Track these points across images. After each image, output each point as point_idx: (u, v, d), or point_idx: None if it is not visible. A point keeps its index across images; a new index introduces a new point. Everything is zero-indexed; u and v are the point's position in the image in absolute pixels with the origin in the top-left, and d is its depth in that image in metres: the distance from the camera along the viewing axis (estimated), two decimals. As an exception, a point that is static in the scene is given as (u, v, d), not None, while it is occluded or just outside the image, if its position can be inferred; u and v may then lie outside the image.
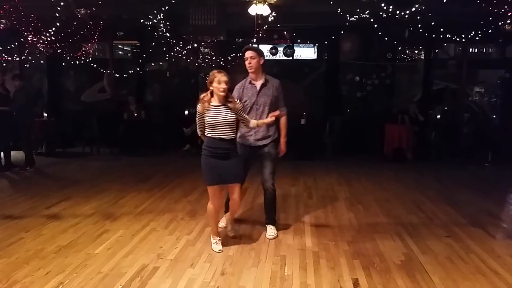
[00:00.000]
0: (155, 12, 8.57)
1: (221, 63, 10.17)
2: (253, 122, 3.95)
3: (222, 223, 4.50)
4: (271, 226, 4.39)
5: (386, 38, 9.43)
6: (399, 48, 10.45)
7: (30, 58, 10.31)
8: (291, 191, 6.28)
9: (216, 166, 3.80)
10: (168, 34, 9.42)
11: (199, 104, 3.82)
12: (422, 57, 10.54)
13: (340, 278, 3.41)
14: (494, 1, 7.11)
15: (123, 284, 3.27)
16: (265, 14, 7.14)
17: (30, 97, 8.12)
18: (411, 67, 10.63)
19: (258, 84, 4.26)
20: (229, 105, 3.78)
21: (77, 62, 10.18)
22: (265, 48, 10.13)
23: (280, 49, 10.56)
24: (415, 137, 9.08)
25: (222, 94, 3.77)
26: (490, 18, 7.89)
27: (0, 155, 7.83)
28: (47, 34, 8.87)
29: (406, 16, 7.87)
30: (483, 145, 9.24)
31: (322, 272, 3.51)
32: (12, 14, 8.03)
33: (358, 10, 8.14)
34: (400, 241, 4.26)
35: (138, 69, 10.89)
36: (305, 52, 11.44)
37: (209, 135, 3.82)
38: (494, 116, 10.79)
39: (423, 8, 7.62)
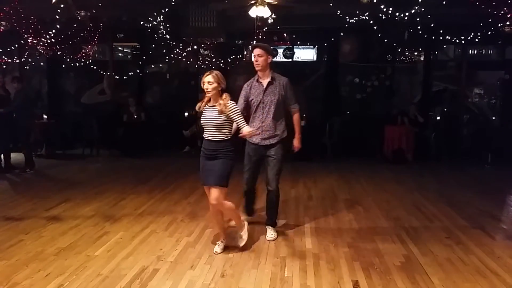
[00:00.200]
0: (155, 14, 8.58)
1: (221, 65, 10.19)
2: (245, 130, 3.68)
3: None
4: (271, 228, 4.38)
5: (385, 40, 9.45)
6: (399, 50, 10.47)
7: (30, 60, 10.32)
8: (291, 193, 6.28)
9: (203, 166, 3.84)
10: (168, 36, 9.44)
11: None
12: (422, 59, 10.56)
13: (340, 280, 3.40)
14: (494, 3, 7.12)
15: (123, 286, 3.27)
16: (265, 16, 7.15)
17: (29, 99, 8.12)
18: (411, 68, 10.64)
19: (265, 82, 4.24)
20: (216, 106, 3.74)
21: (77, 64, 10.18)
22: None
23: (280, 51, 10.58)
24: (415, 138, 9.09)
25: (208, 94, 3.77)
26: (490, 20, 7.90)
27: (0, 157, 7.82)
28: (47, 36, 8.88)
29: (406, 17, 7.89)
30: (482, 146, 9.25)
31: (322, 274, 3.51)
32: (12, 16, 8.03)
33: (357, 12, 8.16)
34: (400, 242, 4.26)
35: (138, 71, 10.90)
36: (305, 54, 11.47)
37: (203, 135, 3.86)
38: (493, 118, 10.80)
39: (423, 9, 7.63)
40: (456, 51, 10.83)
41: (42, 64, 10.81)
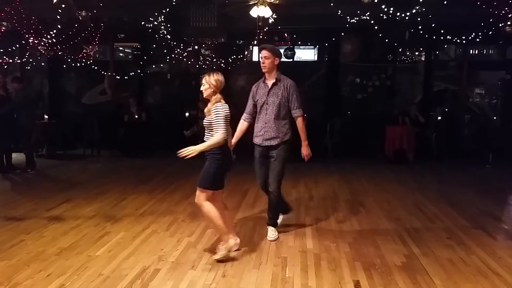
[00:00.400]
0: (156, 14, 8.58)
1: (222, 65, 10.19)
2: (212, 139, 3.63)
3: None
4: (272, 228, 4.38)
5: (386, 40, 9.45)
6: (400, 50, 10.47)
7: (31, 60, 10.33)
8: (291, 193, 6.27)
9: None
10: (169, 36, 9.44)
11: None
12: (423, 59, 10.56)
13: (341, 280, 3.40)
14: (495, 3, 7.11)
15: (124, 286, 3.27)
16: (266, 16, 7.15)
17: (30, 99, 8.13)
18: (412, 68, 10.64)
19: (270, 83, 4.24)
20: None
21: (78, 64, 10.20)
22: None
23: (281, 51, 10.57)
24: (416, 138, 9.09)
25: (204, 95, 3.78)
26: (491, 20, 7.89)
27: (2, 157, 7.82)
28: (48, 36, 8.89)
29: (407, 17, 7.89)
30: (483, 146, 9.24)
31: (323, 274, 3.51)
32: (13, 16, 8.04)
33: (358, 12, 8.15)
34: (401, 242, 4.26)
35: (139, 71, 10.92)
36: (306, 54, 11.45)
37: None
38: (494, 118, 10.79)
39: (424, 9, 7.63)
40: (457, 51, 10.83)
41: (43, 64, 10.82)
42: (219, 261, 3.69)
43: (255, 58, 11.10)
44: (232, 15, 8.72)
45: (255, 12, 7.00)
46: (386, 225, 4.85)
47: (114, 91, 10.92)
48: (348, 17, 8.36)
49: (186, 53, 10.14)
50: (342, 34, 10.00)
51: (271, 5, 6.95)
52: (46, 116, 10.01)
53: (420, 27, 8.67)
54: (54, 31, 8.76)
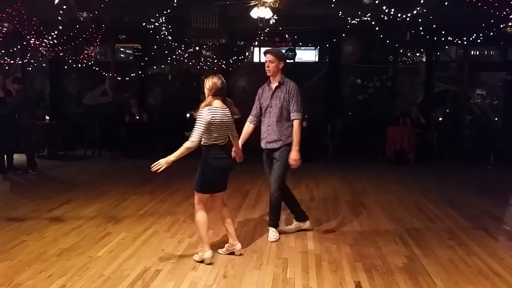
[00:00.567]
0: (157, 15, 8.59)
1: (223, 66, 10.20)
2: (182, 146, 3.59)
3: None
4: (273, 229, 4.37)
5: (387, 41, 9.45)
6: (401, 51, 10.46)
7: (32, 61, 10.35)
8: (293, 194, 6.26)
9: None
10: (170, 37, 9.45)
11: None
12: (424, 60, 10.55)
13: (342, 281, 3.40)
14: (496, 4, 7.11)
15: (125, 287, 3.27)
16: (267, 17, 7.16)
17: (30, 100, 8.14)
18: (413, 69, 10.63)
19: (273, 86, 4.25)
20: None
21: (79, 65, 10.22)
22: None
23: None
24: (417, 139, 9.08)
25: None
26: (492, 21, 7.89)
27: (3, 157, 7.83)
28: (49, 37, 8.91)
29: (408, 18, 7.89)
30: (485, 147, 9.23)
31: (324, 275, 3.51)
32: (14, 18, 8.06)
33: (359, 13, 8.16)
34: (402, 243, 4.25)
35: (140, 72, 10.93)
36: (307, 55, 11.47)
37: None
38: (495, 118, 10.78)
39: (425, 10, 7.63)
40: (458, 52, 10.82)
41: (44, 65, 10.84)
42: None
43: (256, 59, 11.12)
44: (233, 16, 8.73)
45: (255, 13, 7.00)
46: (387, 225, 4.85)
47: (115, 92, 10.93)
48: (349, 18, 8.37)
49: (187, 54, 10.15)
50: (343, 35, 10.00)
51: (271, 7, 6.95)
52: (47, 117, 10.02)
53: (421, 28, 8.67)
54: (55, 32, 8.78)
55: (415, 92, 10.63)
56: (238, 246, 3.90)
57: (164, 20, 8.71)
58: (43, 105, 10.73)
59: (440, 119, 9.77)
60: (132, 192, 6.29)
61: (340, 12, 8.06)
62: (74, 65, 10.29)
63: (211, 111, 3.61)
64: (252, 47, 10.88)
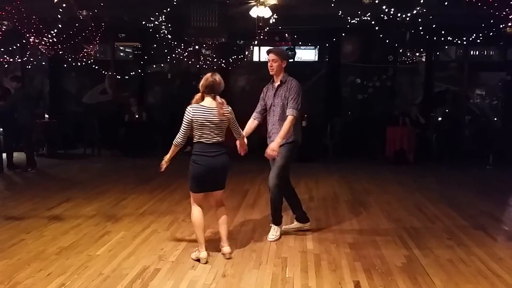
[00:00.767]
0: (157, 14, 8.59)
1: (223, 65, 10.19)
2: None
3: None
4: (274, 227, 4.35)
5: (387, 41, 9.45)
6: (400, 51, 10.46)
7: (31, 59, 10.34)
8: (297, 194, 6.26)
9: None
10: (169, 36, 9.45)
11: None
12: (423, 60, 10.56)
13: (342, 281, 3.40)
14: (495, 4, 7.11)
15: (124, 286, 3.27)
16: (266, 16, 7.16)
17: (29, 98, 8.13)
18: (412, 69, 10.64)
19: (276, 85, 4.26)
20: None
21: (79, 64, 10.20)
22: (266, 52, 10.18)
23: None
24: (417, 139, 9.08)
25: None
26: (491, 21, 7.89)
27: (2, 156, 7.83)
28: (49, 36, 8.90)
29: (407, 18, 7.89)
30: (484, 148, 9.24)
31: (323, 274, 3.51)
32: (14, 16, 8.05)
33: (359, 12, 8.16)
34: (402, 243, 4.25)
35: (139, 70, 10.92)
36: (306, 54, 11.46)
37: None
38: (495, 119, 10.79)
39: (424, 10, 7.63)
40: (458, 52, 10.83)
41: (44, 63, 10.82)
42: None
43: (255, 58, 11.12)
44: (233, 15, 8.72)
45: (255, 12, 7.00)
46: (386, 225, 4.85)
47: (115, 91, 10.93)
48: (348, 18, 8.37)
49: (186, 53, 10.14)
50: (343, 34, 10.00)
51: (271, 6, 6.96)
52: (46, 116, 10.02)
53: (420, 27, 8.67)
54: (55, 30, 8.77)
55: (414, 92, 10.63)
56: (226, 249, 3.83)
57: (164, 19, 8.71)
58: (43, 104, 10.72)
59: (440, 119, 9.78)
60: (132, 191, 6.29)
61: (340, 12, 8.06)
62: (74, 64, 10.27)
63: (193, 109, 3.65)
64: (252, 46, 10.87)
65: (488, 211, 5.43)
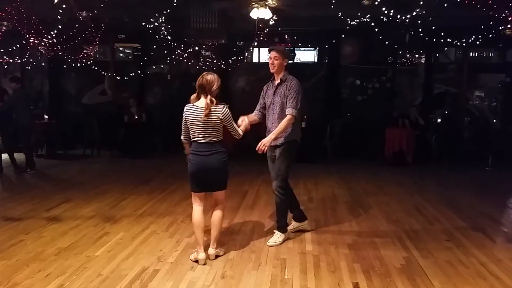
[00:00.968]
0: (157, 15, 8.59)
1: (222, 66, 10.20)
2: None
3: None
4: (278, 233, 4.28)
5: (386, 42, 9.46)
6: (400, 52, 10.49)
7: (31, 60, 10.34)
8: (294, 193, 6.26)
9: None
10: (169, 37, 9.45)
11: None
12: (423, 61, 10.58)
13: (341, 282, 3.40)
14: (495, 6, 7.12)
15: (123, 287, 3.27)
16: (266, 18, 7.16)
17: (28, 99, 8.13)
18: (412, 71, 10.66)
19: (276, 83, 4.25)
20: None
21: (79, 65, 10.21)
22: (266, 52, 10.18)
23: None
24: (416, 140, 9.09)
25: None
26: (491, 23, 7.90)
27: (0, 156, 7.82)
28: (49, 37, 8.89)
29: (407, 20, 7.89)
30: (483, 149, 9.25)
31: (322, 276, 3.51)
32: (13, 16, 8.04)
33: (359, 14, 8.16)
34: (401, 244, 4.26)
35: (139, 71, 10.94)
36: (306, 55, 11.46)
37: None
38: (494, 120, 10.80)
39: (424, 12, 7.64)
40: (457, 54, 10.84)
41: (43, 64, 10.83)
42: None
43: (255, 59, 11.12)
44: (232, 16, 8.73)
45: (255, 14, 7.00)
46: (385, 227, 4.85)
47: (114, 92, 10.93)
48: (348, 19, 8.38)
49: (186, 54, 10.15)
50: (343, 36, 10.01)
51: (272, 7, 6.96)
52: (46, 116, 10.03)
53: (420, 29, 8.67)
54: (55, 31, 8.77)
55: (414, 94, 10.65)
56: (210, 250, 3.82)
57: (163, 20, 8.70)
58: (42, 104, 10.73)
59: (439, 120, 9.80)
60: (131, 192, 6.29)
61: (340, 13, 8.07)
62: (73, 65, 10.27)
63: (186, 108, 3.76)
64: (251, 48, 10.89)
65: (487, 213, 5.43)
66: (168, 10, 8.48)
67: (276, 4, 6.97)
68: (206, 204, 3.92)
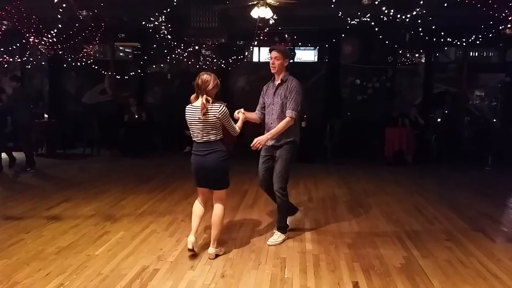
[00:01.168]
0: (157, 14, 8.59)
1: (222, 65, 10.20)
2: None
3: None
4: (278, 233, 4.29)
5: (386, 42, 9.47)
6: (400, 52, 10.49)
7: (31, 59, 10.34)
8: (291, 194, 6.24)
9: None
10: (169, 36, 9.45)
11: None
12: (423, 61, 10.58)
13: (340, 281, 3.41)
14: (495, 5, 7.13)
15: (123, 286, 3.27)
16: (266, 17, 7.15)
17: (28, 98, 8.13)
18: (412, 70, 10.66)
19: (277, 84, 4.23)
20: None
21: (79, 64, 10.21)
22: (266, 51, 10.18)
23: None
24: (416, 140, 9.09)
25: None
26: (491, 22, 7.91)
27: (0, 156, 7.83)
28: (49, 36, 8.90)
29: (407, 19, 7.90)
30: (483, 149, 9.25)
31: (322, 275, 3.51)
32: (14, 15, 8.05)
33: (359, 13, 8.17)
34: (400, 244, 4.26)
35: (139, 71, 10.93)
36: (306, 55, 11.49)
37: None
38: (494, 120, 10.81)
39: (424, 11, 7.64)
40: (457, 53, 10.86)
41: (43, 63, 10.83)
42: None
43: (255, 58, 11.13)
44: (232, 16, 8.72)
45: (256, 13, 6.99)
46: (385, 226, 4.85)
47: (114, 91, 10.93)
48: (348, 19, 8.38)
49: (186, 53, 10.15)
50: (343, 35, 10.01)
51: (271, 6, 6.95)
52: (46, 115, 10.02)
53: (420, 29, 8.68)
54: (55, 30, 8.77)
55: (414, 93, 10.65)
56: (210, 250, 3.84)
57: (163, 19, 8.71)
58: (42, 103, 10.72)
59: (439, 120, 9.80)
60: (131, 191, 6.29)
61: (340, 13, 8.07)
62: (73, 64, 10.27)
63: (186, 108, 3.83)
64: (251, 47, 10.89)
65: (487, 213, 5.43)
66: (168, 9, 8.49)
67: (277, 3, 6.95)
68: (210, 199, 3.94)
